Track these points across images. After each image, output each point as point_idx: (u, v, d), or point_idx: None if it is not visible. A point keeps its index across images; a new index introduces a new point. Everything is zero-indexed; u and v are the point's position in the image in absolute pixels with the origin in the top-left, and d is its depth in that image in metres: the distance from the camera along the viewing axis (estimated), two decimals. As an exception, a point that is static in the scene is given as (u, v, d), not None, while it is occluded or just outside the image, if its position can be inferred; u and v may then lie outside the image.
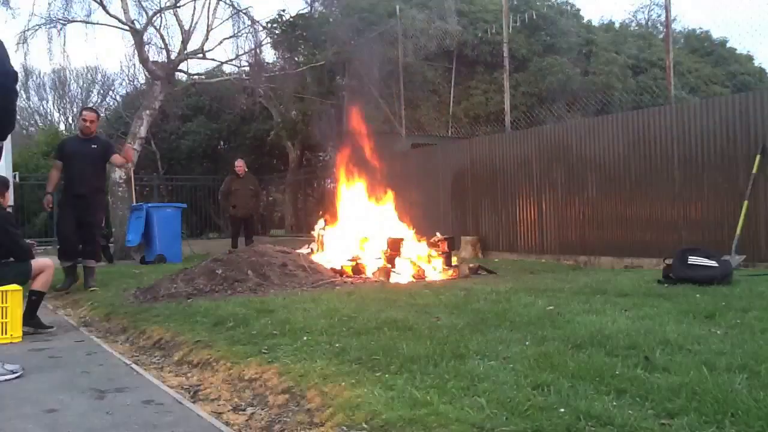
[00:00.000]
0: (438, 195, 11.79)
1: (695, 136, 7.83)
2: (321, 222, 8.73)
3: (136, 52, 13.01)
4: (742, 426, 2.14)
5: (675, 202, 8.01)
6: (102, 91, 29.00)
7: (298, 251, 7.60)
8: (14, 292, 4.90)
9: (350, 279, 6.87)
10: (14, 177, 8.66)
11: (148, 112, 13.07)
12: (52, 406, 3.13)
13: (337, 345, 3.52)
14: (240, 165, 12.09)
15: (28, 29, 13.06)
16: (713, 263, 5.53)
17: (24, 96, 29.22)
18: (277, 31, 16.00)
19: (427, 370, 2.94)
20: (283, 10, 19.11)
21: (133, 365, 4.00)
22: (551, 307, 4.44)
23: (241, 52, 14.50)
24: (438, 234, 8.40)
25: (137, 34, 12.77)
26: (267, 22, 15.95)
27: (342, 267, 7.23)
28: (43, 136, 19.60)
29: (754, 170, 7.18)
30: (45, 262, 5.29)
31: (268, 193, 19.58)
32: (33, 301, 5.19)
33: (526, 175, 10.08)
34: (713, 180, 7.63)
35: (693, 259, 5.54)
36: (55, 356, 4.31)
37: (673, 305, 4.36)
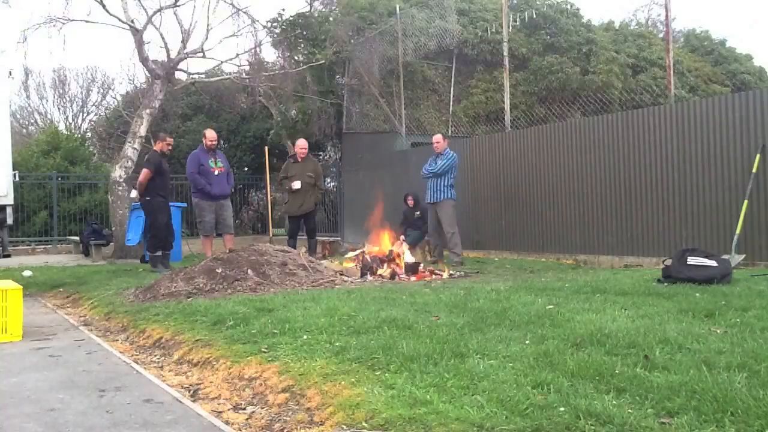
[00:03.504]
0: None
1: (695, 135, 7.82)
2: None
3: (135, 51, 12.99)
4: (741, 425, 2.14)
5: (674, 201, 8.01)
6: (102, 90, 28.97)
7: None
8: (14, 291, 4.91)
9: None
10: (14, 176, 8.87)
11: (148, 111, 13.07)
12: (53, 404, 3.13)
13: (336, 344, 3.52)
14: (301, 146, 9.88)
15: (28, 28, 13.06)
16: (713, 263, 5.52)
17: (24, 95, 29.20)
18: (276, 30, 15.99)
19: (427, 369, 2.94)
20: (283, 9, 19.13)
21: (133, 364, 4.01)
22: (551, 306, 4.44)
23: (241, 51, 14.52)
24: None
25: (137, 33, 12.76)
26: (267, 21, 15.95)
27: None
28: (42, 135, 19.58)
29: (754, 169, 7.18)
30: None
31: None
32: None
33: (525, 174, 10.08)
34: (713, 179, 7.63)
35: (692, 260, 5.53)
36: (55, 355, 4.31)
37: (672, 304, 4.36)
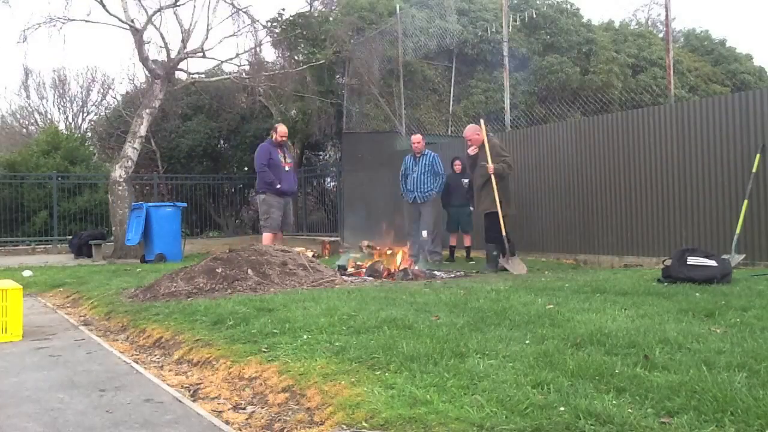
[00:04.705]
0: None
1: (695, 135, 7.82)
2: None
3: (135, 51, 13.01)
4: (741, 424, 2.14)
5: (674, 201, 8.00)
6: (102, 90, 28.94)
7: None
8: (14, 291, 4.91)
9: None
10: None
11: (148, 110, 13.08)
12: (53, 404, 3.13)
13: (336, 344, 3.52)
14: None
15: (28, 28, 13.07)
16: (712, 263, 5.52)
17: (24, 95, 29.18)
18: (276, 30, 16.00)
19: (427, 369, 2.94)
20: (283, 9, 19.16)
21: (133, 364, 4.01)
22: (551, 306, 4.44)
23: (241, 50, 14.53)
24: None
25: (137, 33, 12.78)
26: (267, 21, 15.97)
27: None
28: (42, 135, 19.57)
29: (754, 169, 7.18)
30: None
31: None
32: None
33: (524, 174, 10.07)
34: (713, 179, 7.63)
35: (692, 260, 5.54)
36: (55, 355, 4.31)
37: (672, 304, 4.36)
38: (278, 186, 8.64)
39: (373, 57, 14.41)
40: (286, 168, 8.82)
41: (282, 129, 9.02)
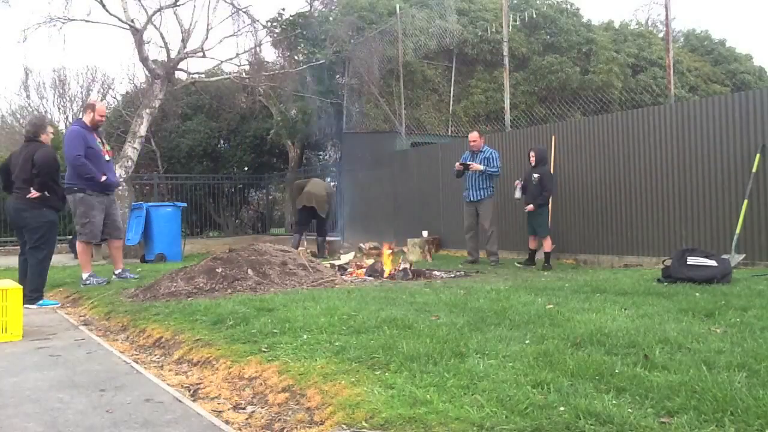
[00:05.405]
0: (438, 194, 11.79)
1: (695, 135, 7.83)
2: None
3: (135, 50, 13.01)
4: (741, 424, 2.14)
5: (674, 201, 8.01)
6: (102, 90, 28.92)
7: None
8: (14, 291, 4.91)
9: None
10: None
11: (148, 110, 13.08)
12: (53, 404, 3.13)
13: (336, 343, 3.52)
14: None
15: (28, 28, 13.08)
16: (712, 263, 5.53)
17: (24, 95, 29.18)
18: (276, 30, 16.01)
19: (427, 369, 2.94)
20: (283, 9, 19.18)
21: (133, 364, 4.01)
22: (551, 306, 4.44)
23: (241, 50, 14.54)
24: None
25: (137, 33, 12.78)
26: (267, 21, 15.98)
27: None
28: (42, 134, 19.54)
29: (754, 169, 7.18)
30: None
31: (268, 192, 19.57)
32: None
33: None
34: (713, 179, 7.63)
35: (692, 260, 5.54)
36: (55, 355, 4.31)
37: (672, 304, 4.37)
38: (103, 179, 7.04)
39: (372, 57, 14.41)
40: (107, 157, 7.25)
41: (101, 107, 7.28)
